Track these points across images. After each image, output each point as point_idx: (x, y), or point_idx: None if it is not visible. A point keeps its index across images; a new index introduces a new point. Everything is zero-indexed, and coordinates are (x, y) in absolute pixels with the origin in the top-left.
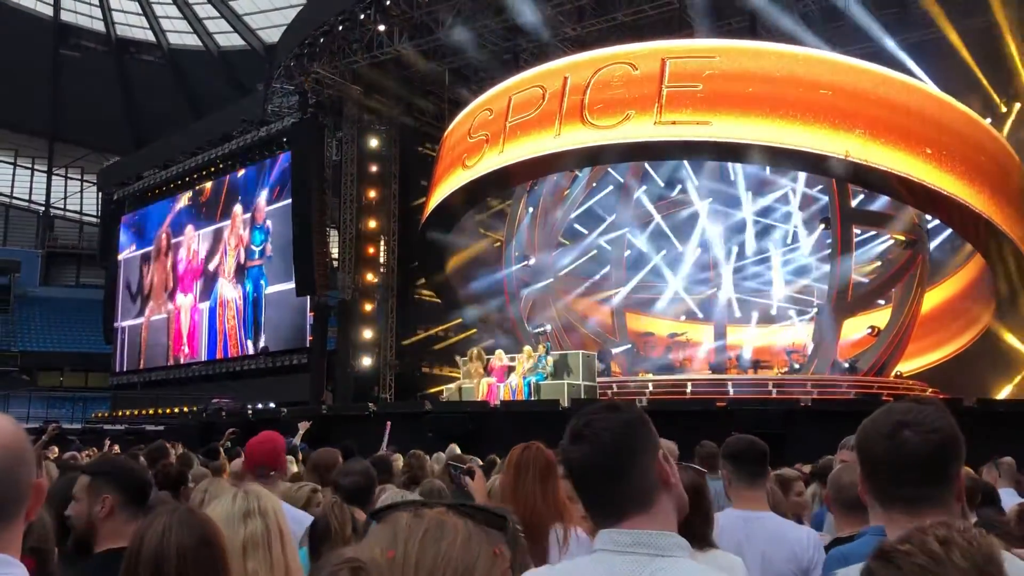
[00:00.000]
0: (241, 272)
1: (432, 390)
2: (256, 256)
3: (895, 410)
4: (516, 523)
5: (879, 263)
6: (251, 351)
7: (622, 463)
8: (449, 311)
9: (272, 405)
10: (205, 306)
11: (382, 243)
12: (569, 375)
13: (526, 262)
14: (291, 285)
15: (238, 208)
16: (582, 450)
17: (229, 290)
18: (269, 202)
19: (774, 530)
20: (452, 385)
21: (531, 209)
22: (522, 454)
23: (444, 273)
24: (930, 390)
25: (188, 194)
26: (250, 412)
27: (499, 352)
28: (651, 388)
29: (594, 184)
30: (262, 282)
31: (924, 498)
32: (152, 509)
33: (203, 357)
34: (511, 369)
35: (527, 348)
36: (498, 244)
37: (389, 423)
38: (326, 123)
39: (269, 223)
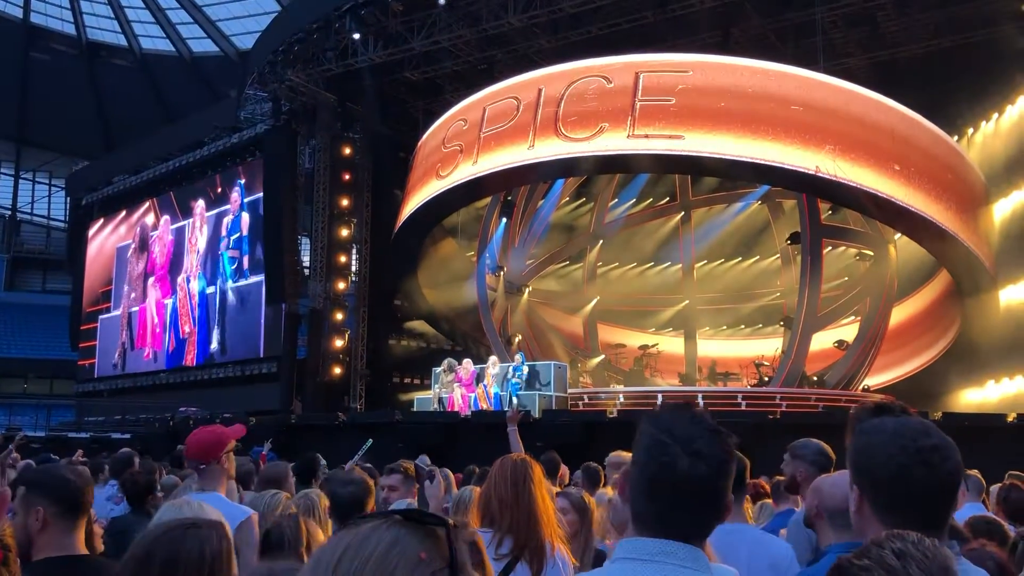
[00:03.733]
0: (211, 274)
1: (406, 397)
2: (229, 262)
3: (907, 431)
4: (462, 532)
5: (845, 278)
6: (218, 356)
7: (725, 486)
8: (421, 320)
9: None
10: (169, 302)
11: (354, 252)
12: (541, 386)
13: (498, 273)
14: (262, 292)
15: (204, 206)
16: (697, 469)
17: (194, 290)
18: (241, 208)
19: (755, 542)
20: (431, 394)
21: (504, 220)
22: (518, 467)
23: (416, 282)
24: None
25: (156, 198)
26: (219, 421)
27: (466, 361)
28: (622, 399)
29: (567, 197)
30: (230, 286)
31: (943, 523)
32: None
33: (164, 362)
34: (479, 377)
35: (493, 358)
36: (471, 255)
37: (371, 440)
38: (299, 130)
39: (246, 217)
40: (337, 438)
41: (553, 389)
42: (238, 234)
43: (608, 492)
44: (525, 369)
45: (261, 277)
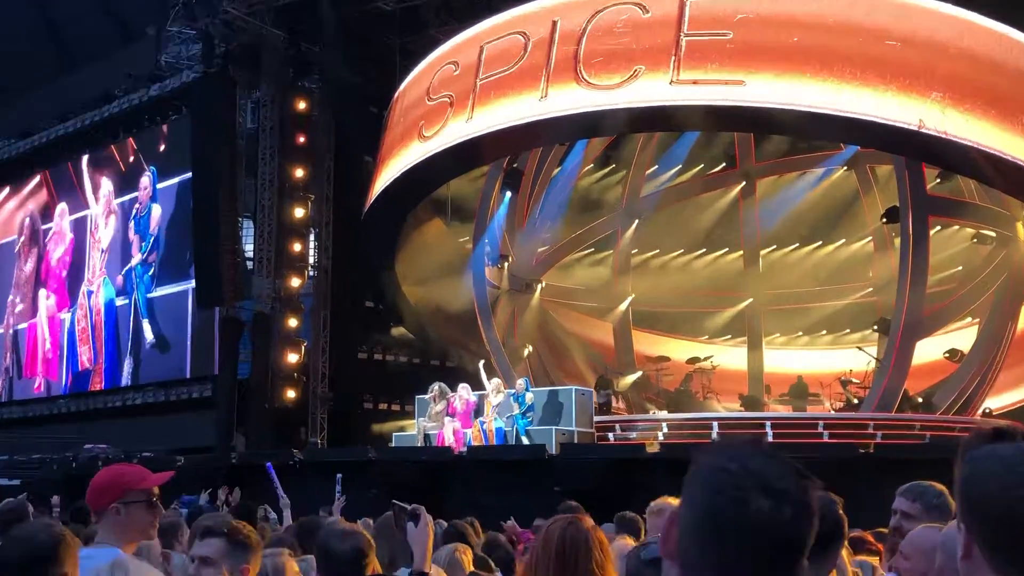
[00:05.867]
0: (120, 274)
1: (382, 429)
2: (141, 252)
3: None
4: None
5: (959, 267)
6: (131, 379)
7: (808, 541)
8: (400, 328)
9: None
10: (68, 316)
11: (312, 238)
12: (560, 418)
13: (501, 264)
14: (189, 292)
15: (112, 190)
16: (781, 512)
17: (99, 303)
18: (159, 182)
19: None
20: (414, 428)
21: (508, 194)
22: (566, 533)
23: (394, 278)
24: None
25: (50, 171)
26: (136, 461)
27: (462, 388)
28: (666, 430)
29: (591, 164)
30: (145, 288)
31: None
32: None
33: (66, 384)
34: (478, 409)
35: (495, 381)
36: (465, 241)
37: (339, 475)
38: (238, 79)
39: (158, 210)
40: (292, 482)
41: (575, 421)
42: (150, 238)
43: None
44: (529, 397)
45: (188, 284)
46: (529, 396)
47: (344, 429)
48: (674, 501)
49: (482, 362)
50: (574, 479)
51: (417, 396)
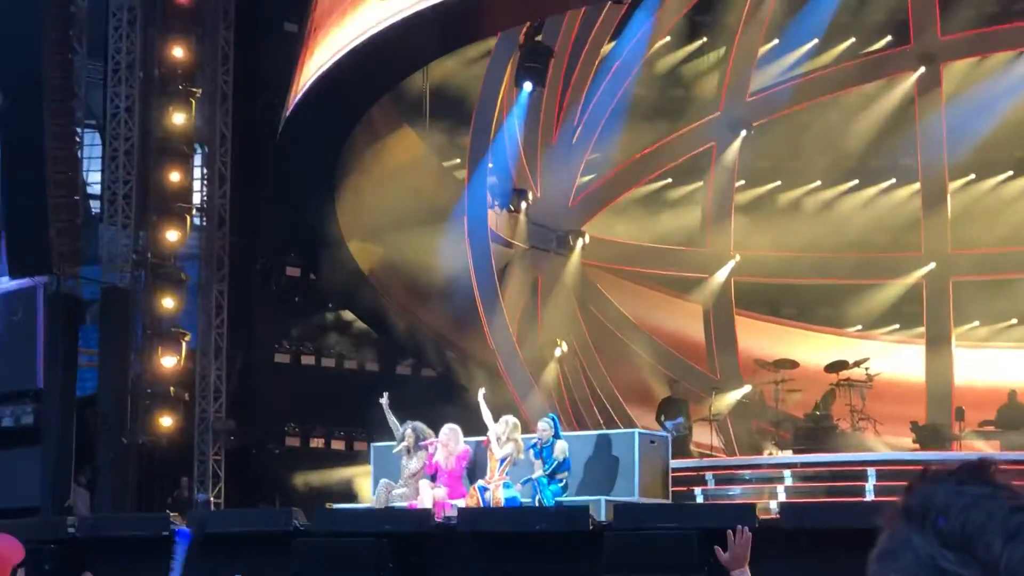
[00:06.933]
0: None
1: (312, 481)
2: None
3: None
4: None
5: None
6: None
7: None
8: (346, 311)
9: None
10: None
11: (198, 161)
12: (614, 481)
13: (516, 206)
14: None
15: None
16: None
17: None
18: None
19: None
20: (372, 491)
21: (528, 88)
22: None
23: (337, 228)
24: None
25: None
26: None
27: (447, 430)
28: (789, 482)
29: (666, 37)
30: None
31: None
32: None
33: None
34: (472, 465)
35: (505, 420)
36: (453, 166)
37: None
38: None
39: None
40: (169, 563)
41: (638, 486)
42: None
43: None
44: (561, 448)
45: None
46: (560, 446)
47: (252, 480)
48: None
49: (482, 392)
50: (637, 561)
51: (373, 443)
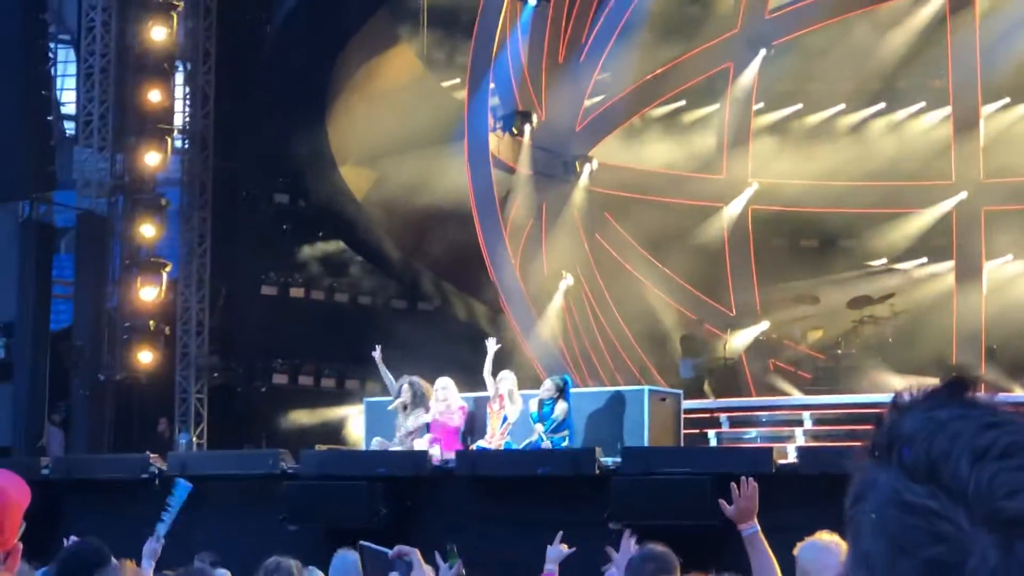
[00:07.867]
0: None
1: (301, 420)
2: None
3: None
4: None
5: None
6: None
7: None
8: (338, 241)
9: None
10: None
11: (180, 79)
12: (620, 438)
13: (520, 128)
14: None
15: None
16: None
17: None
18: None
19: None
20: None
21: (533, 1)
22: None
23: (328, 151)
24: None
25: None
26: None
27: (442, 384)
28: (808, 424)
29: None
30: None
31: None
32: None
33: None
34: (471, 421)
35: (505, 375)
36: (452, 86)
37: (189, 486)
38: None
39: None
40: (147, 511)
41: (647, 424)
42: None
43: None
44: (561, 408)
45: None
46: (561, 406)
47: (237, 420)
48: (832, 541)
49: (491, 340)
50: (646, 508)
51: (366, 399)
